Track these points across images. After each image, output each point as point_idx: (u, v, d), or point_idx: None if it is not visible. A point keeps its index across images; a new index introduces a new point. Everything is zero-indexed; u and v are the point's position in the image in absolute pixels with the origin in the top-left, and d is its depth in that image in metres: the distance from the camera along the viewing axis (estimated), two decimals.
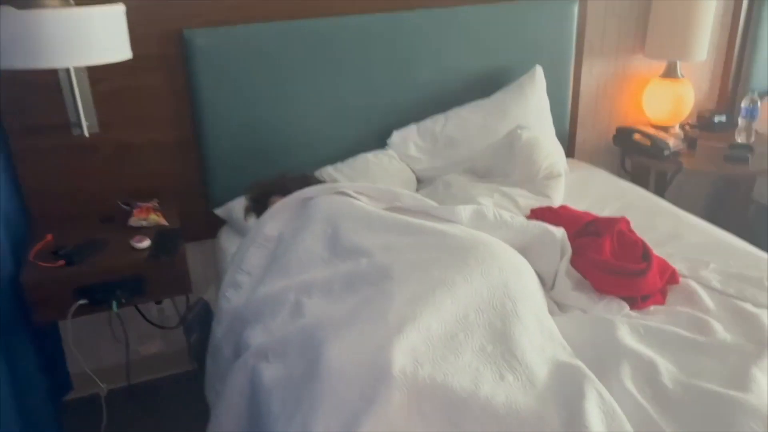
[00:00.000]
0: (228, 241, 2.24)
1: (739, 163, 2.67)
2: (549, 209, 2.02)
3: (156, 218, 2.13)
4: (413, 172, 2.40)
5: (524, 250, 1.71)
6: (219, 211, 2.31)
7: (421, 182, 2.40)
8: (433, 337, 1.31)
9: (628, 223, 1.81)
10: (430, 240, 1.61)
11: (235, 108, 2.24)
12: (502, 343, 1.34)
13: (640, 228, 1.83)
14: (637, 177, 2.92)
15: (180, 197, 2.33)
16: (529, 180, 2.14)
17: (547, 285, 1.70)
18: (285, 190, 2.07)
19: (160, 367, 2.58)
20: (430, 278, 1.47)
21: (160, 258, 1.94)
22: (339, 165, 2.38)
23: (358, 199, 1.83)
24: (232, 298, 1.81)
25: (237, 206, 2.24)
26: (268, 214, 1.86)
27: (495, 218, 1.75)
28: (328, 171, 2.37)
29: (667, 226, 2.05)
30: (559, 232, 1.74)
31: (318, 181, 2.14)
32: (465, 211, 1.76)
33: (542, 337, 1.40)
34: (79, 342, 2.07)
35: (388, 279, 1.50)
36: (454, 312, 1.38)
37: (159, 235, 2.05)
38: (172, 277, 1.99)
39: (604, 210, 2.19)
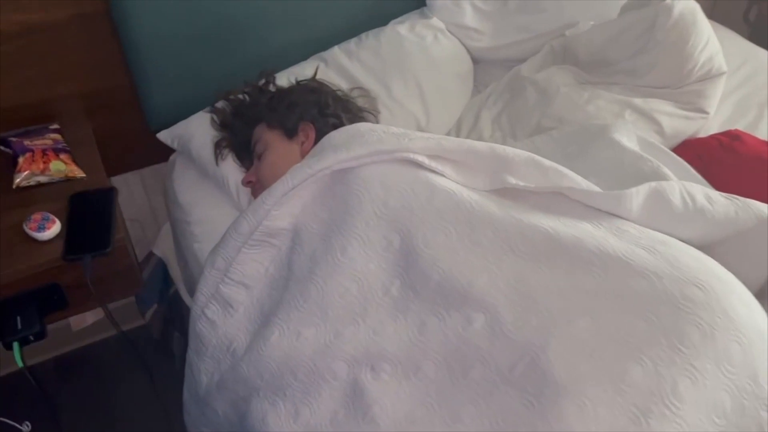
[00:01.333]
0: (183, 182, 1.40)
1: None
2: (715, 142, 1.26)
3: (62, 167, 1.25)
4: (469, 54, 1.53)
5: (715, 245, 1.01)
6: (165, 136, 1.42)
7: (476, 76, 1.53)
8: None
9: None
10: (602, 279, 0.87)
11: None
12: None
13: None
14: None
15: (98, 113, 1.42)
16: (675, 82, 1.33)
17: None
18: (289, 120, 1.22)
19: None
20: (634, 390, 0.77)
21: (82, 258, 1.12)
22: (351, 46, 1.47)
23: (438, 172, 1.01)
24: (218, 322, 1.07)
25: (195, 131, 1.36)
26: (271, 193, 1.03)
27: (685, 205, 0.99)
28: (334, 55, 1.46)
29: None
30: None
31: (345, 103, 1.27)
32: (637, 196, 0.98)
33: None
34: None
35: (545, 384, 0.79)
36: None
37: (75, 204, 1.20)
38: (111, 276, 1.19)
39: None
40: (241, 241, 1.06)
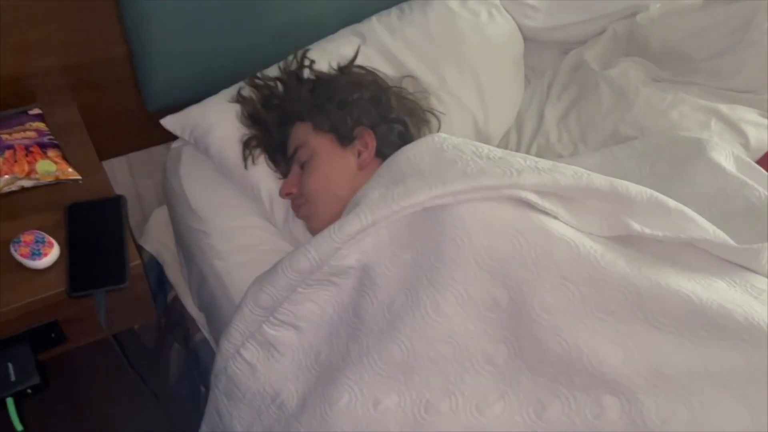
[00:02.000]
0: (196, 182, 1.16)
1: None
2: None
3: (52, 167, 1.00)
4: (522, 34, 1.33)
5: None
6: (172, 124, 1.16)
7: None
8: None
9: None
10: (753, 357, 0.74)
11: None
12: None
13: None
14: None
15: (83, 91, 1.15)
16: (761, 87, 1.19)
17: None
18: (342, 123, 1.02)
19: None
20: None
21: (88, 291, 0.90)
22: (393, 20, 1.24)
23: (551, 214, 0.84)
24: (259, 367, 0.90)
25: (215, 122, 1.12)
26: (343, 229, 0.84)
27: None
28: (373, 30, 1.23)
29: None
30: None
31: (410, 104, 1.06)
32: None
33: None
34: None
35: None
36: None
37: (74, 218, 0.97)
38: (121, 306, 0.98)
39: None
40: (298, 281, 0.87)
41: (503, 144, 1.23)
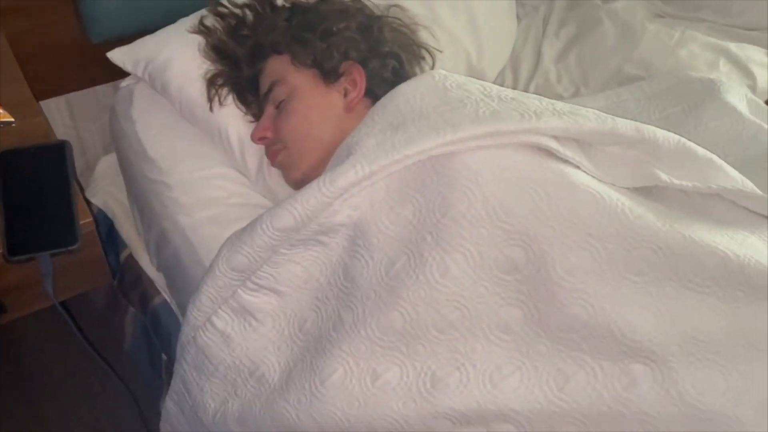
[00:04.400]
0: (151, 126, 1.01)
1: None
2: None
3: None
4: None
5: None
6: (120, 58, 1.00)
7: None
8: None
9: None
10: None
11: None
12: None
13: None
14: None
15: (8, 18, 0.98)
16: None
17: None
18: (327, 57, 0.89)
19: None
20: None
21: (30, 255, 0.77)
22: None
23: (573, 163, 0.74)
24: (234, 336, 0.80)
25: (172, 56, 0.97)
26: (335, 181, 0.72)
27: None
28: None
29: None
30: None
31: (404, 37, 0.93)
32: None
33: None
34: None
35: None
36: None
37: (10, 169, 0.81)
38: (70, 270, 0.84)
39: None
40: (279, 240, 0.76)
41: (498, 84, 1.12)
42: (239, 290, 0.80)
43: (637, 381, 0.66)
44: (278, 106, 0.89)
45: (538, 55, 1.11)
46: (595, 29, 1.09)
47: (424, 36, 1.01)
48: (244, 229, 0.79)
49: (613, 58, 1.06)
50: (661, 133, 0.76)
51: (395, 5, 1.01)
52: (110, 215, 1.22)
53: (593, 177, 0.73)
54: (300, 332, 0.79)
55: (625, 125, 0.74)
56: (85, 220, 0.80)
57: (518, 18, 1.23)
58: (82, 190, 0.91)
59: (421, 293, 0.71)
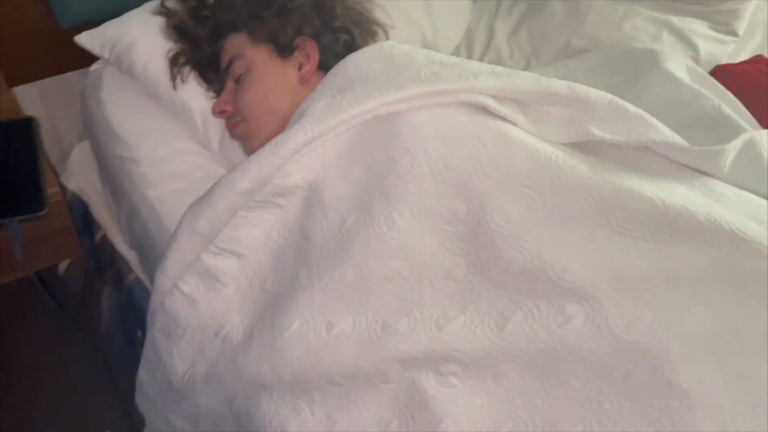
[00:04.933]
0: (119, 106, 1.05)
1: None
2: (754, 69, 1.13)
3: None
4: None
5: None
6: (88, 41, 1.03)
7: None
8: None
9: None
10: (715, 259, 0.72)
11: None
12: None
13: None
14: None
15: None
16: None
17: None
18: (282, 33, 0.93)
19: None
20: None
21: (6, 225, 0.80)
22: None
23: (510, 120, 0.78)
24: (199, 299, 0.84)
25: (137, 37, 1.01)
26: (286, 142, 0.77)
27: None
28: None
29: None
30: None
31: (356, 14, 0.98)
32: (732, 152, 0.82)
33: None
34: None
35: (671, 396, 0.66)
36: None
37: None
38: (40, 239, 0.88)
39: None
40: (238, 203, 0.80)
41: None
42: (202, 254, 0.83)
43: (571, 319, 0.70)
44: (237, 81, 0.93)
45: (491, 32, 1.16)
46: (544, 6, 1.15)
47: (379, 14, 1.06)
48: (204, 195, 0.83)
49: (562, 33, 1.11)
50: (593, 92, 0.81)
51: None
52: (85, 199, 1.25)
53: (529, 133, 0.78)
54: (262, 292, 0.83)
55: (559, 84, 0.79)
56: (52, 189, 0.84)
57: None
58: (52, 165, 0.94)
59: (370, 246, 0.75)
